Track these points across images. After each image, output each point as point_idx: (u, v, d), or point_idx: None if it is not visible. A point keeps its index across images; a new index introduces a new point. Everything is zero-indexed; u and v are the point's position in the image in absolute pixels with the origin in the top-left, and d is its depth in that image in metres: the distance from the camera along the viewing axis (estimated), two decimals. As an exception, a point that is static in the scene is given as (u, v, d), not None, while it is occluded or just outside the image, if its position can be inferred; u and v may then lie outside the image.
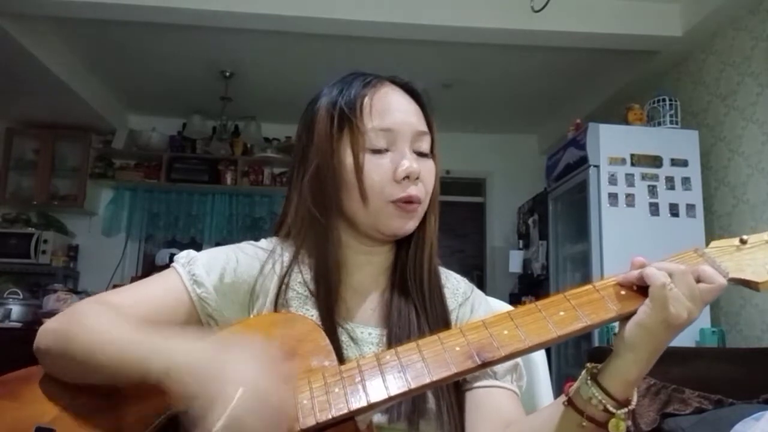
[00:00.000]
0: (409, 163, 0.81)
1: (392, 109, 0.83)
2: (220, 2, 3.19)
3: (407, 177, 0.80)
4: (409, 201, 0.81)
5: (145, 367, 0.62)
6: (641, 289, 0.66)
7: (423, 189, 0.83)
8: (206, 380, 0.58)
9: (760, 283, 0.67)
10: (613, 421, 0.64)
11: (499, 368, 0.82)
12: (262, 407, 0.57)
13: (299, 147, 0.88)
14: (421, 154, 0.84)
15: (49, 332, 0.73)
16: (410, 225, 0.83)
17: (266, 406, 0.57)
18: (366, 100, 0.82)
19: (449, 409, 0.77)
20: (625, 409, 0.65)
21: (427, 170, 0.84)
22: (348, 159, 0.81)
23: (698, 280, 0.65)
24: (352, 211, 0.83)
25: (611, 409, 0.64)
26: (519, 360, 0.84)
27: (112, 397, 0.69)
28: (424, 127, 0.85)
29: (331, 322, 0.79)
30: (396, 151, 0.82)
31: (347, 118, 0.82)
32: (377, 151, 0.81)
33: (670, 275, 0.63)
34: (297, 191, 0.87)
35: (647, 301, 0.63)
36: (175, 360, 0.61)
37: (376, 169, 0.81)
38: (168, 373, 0.60)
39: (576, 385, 0.68)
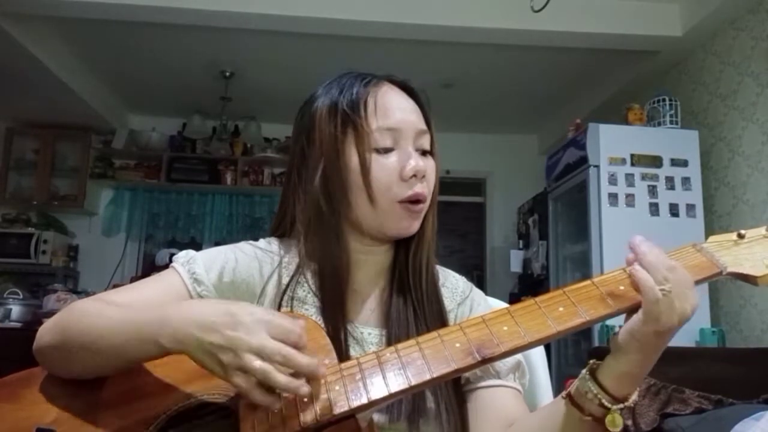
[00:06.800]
0: (415, 161, 0.81)
1: (394, 108, 0.83)
2: (220, 2, 3.20)
3: (414, 175, 0.81)
4: (415, 200, 0.81)
5: (155, 332, 0.64)
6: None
7: (427, 187, 0.83)
8: (222, 323, 0.61)
9: (758, 277, 0.67)
10: (609, 416, 0.65)
11: (502, 367, 0.82)
12: (275, 321, 0.62)
13: (298, 148, 0.87)
14: (423, 153, 0.84)
15: (47, 329, 0.73)
16: (415, 226, 0.84)
17: (277, 320, 0.62)
18: (369, 99, 0.82)
19: (449, 409, 0.77)
20: (621, 405, 0.65)
21: (430, 168, 0.84)
22: (354, 160, 0.81)
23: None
24: (359, 213, 0.82)
25: (606, 403, 0.64)
26: (521, 358, 0.84)
27: (113, 399, 0.70)
28: (424, 126, 0.85)
29: (336, 321, 0.79)
30: (401, 150, 0.82)
31: (351, 119, 0.81)
32: (383, 151, 0.81)
33: (664, 280, 0.62)
34: (301, 193, 0.86)
35: (640, 313, 0.63)
36: (183, 315, 0.64)
37: (383, 169, 0.81)
38: (178, 330, 0.63)
39: (576, 380, 0.69)
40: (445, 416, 0.77)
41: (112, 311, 0.71)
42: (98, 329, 0.68)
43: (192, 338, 0.62)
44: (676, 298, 0.62)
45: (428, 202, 0.85)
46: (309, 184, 0.84)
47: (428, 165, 0.84)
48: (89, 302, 0.75)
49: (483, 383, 0.82)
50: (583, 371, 0.68)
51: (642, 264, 0.64)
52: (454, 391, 0.80)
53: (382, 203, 0.81)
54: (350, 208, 0.82)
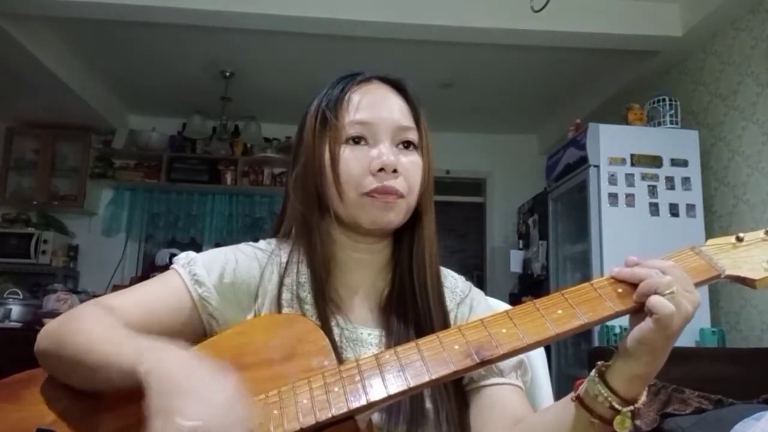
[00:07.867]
0: (385, 155, 0.80)
1: (374, 104, 0.83)
2: (220, 2, 3.20)
3: (383, 169, 0.79)
4: (384, 191, 0.80)
5: (132, 363, 0.62)
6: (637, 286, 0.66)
7: (404, 183, 0.81)
8: (190, 378, 0.58)
9: (756, 280, 0.67)
10: (618, 418, 0.64)
11: (505, 365, 0.82)
12: (231, 417, 0.57)
13: (292, 149, 0.90)
14: (405, 148, 0.84)
15: (45, 335, 0.74)
16: (391, 217, 0.81)
17: (235, 417, 0.57)
18: (347, 96, 0.83)
19: (449, 419, 0.77)
20: (631, 407, 0.65)
21: (410, 164, 0.83)
22: (326, 155, 0.82)
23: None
24: (333, 207, 0.83)
25: (617, 406, 0.64)
26: (523, 356, 0.83)
27: (113, 400, 0.70)
28: (408, 123, 0.85)
29: (324, 321, 0.78)
30: (375, 145, 0.82)
31: (327, 116, 0.83)
32: (355, 142, 0.81)
33: (671, 289, 0.62)
34: (291, 192, 0.88)
35: (651, 323, 0.62)
36: (161, 358, 0.61)
37: (353, 161, 0.81)
38: (153, 369, 0.60)
39: (585, 382, 0.68)
40: (446, 427, 0.76)
41: (109, 334, 0.69)
42: (90, 352, 0.67)
43: (151, 388, 0.59)
44: (684, 305, 0.63)
45: (410, 199, 0.83)
46: (293, 181, 0.87)
47: (406, 160, 0.82)
48: (90, 313, 0.74)
49: (486, 381, 0.81)
50: (592, 373, 0.67)
51: (648, 286, 0.64)
52: (455, 397, 0.80)
53: (350, 196, 0.80)
54: (326, 203, 0.83)
